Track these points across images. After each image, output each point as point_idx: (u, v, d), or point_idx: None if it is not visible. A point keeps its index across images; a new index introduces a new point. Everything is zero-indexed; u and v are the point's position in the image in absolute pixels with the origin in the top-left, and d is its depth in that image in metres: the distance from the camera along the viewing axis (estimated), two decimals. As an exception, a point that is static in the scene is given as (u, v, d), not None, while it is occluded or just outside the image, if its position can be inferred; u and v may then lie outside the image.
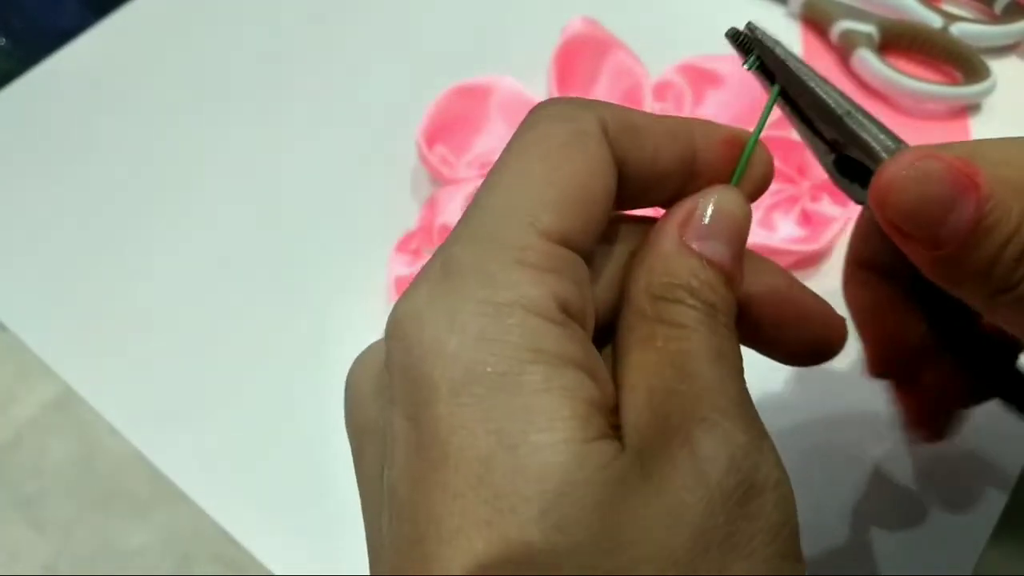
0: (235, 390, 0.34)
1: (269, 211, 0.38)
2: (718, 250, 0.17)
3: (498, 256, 0.15)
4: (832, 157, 0.20)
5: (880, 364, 0.24)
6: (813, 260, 0.34)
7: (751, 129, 0.19)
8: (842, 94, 0.19)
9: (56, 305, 0.36)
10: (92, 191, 0.40)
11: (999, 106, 0.40)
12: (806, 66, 0.19)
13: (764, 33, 0.19)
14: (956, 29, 0.41)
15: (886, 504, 0.29)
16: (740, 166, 0.19)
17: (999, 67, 0.39)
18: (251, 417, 0.33)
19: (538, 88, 0.38)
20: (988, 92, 0.39)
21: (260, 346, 0.35)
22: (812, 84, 0.19)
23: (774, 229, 0.34)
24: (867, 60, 0.40)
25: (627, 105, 0.18)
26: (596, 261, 0.18)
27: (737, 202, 0.18)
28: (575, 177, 0.16)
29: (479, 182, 0.34)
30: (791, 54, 0.19)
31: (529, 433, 0.14)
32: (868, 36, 0.41)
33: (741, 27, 0.20)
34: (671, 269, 0.17)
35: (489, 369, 0.14)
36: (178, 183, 0.40)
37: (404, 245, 0.34)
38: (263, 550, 0.30)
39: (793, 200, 0.34)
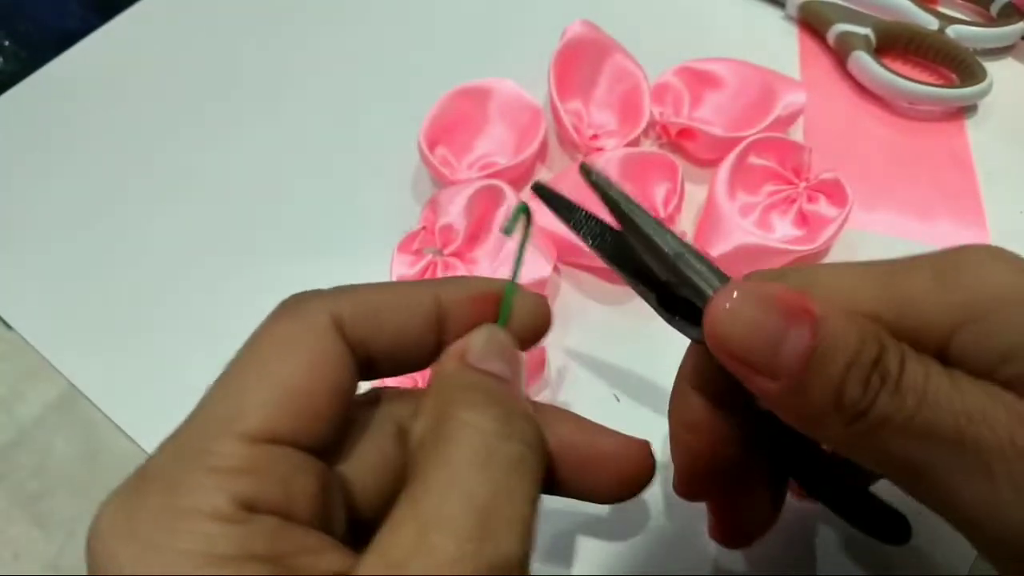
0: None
1: (272, 212, 0.39)
2: (498, 366, 0.18)
3: (188, 461, 0.16)
4: (654, 296, 0.21)
5: (686, 488, 0.23)
6: (810, 260, 0.34)
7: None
8: (674, 235, 0.19)
9: (61, 305, 0.36)
10: (96, 192, 0.40)
11: (995, 107, 0.40)
12: (640, 207, 0.19)
13: (600, 176, 0.20)
14: (952, 31, 0.41)
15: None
16: (503, 314, 0.19)
17: (995, 69, 0.39)
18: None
19: (538, 90, 0.38)
20: (984, 94, 0.39)
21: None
22: (647, 228, 0.19)
23: (772, 229, 0.35)
24: (864, 62, 0.40)
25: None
26: (362, 435, 0.19)
27: (503, 334, 0.19)
28: (290, 376, 0.17)
29: (480, 183, 0.34)
30: (625, 196, 0.19)
31: None
32: (865, 38, 0.41)
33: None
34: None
35: None
36: (181, 185, 0.40)
37: (406, 245, 0.35)
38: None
39: (791, 201, 0.35)
